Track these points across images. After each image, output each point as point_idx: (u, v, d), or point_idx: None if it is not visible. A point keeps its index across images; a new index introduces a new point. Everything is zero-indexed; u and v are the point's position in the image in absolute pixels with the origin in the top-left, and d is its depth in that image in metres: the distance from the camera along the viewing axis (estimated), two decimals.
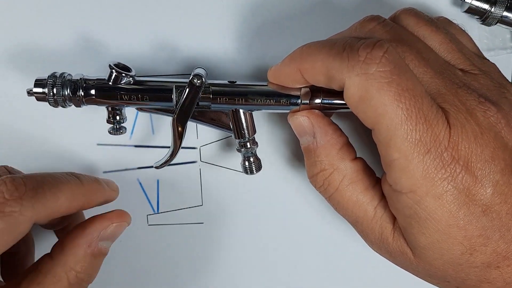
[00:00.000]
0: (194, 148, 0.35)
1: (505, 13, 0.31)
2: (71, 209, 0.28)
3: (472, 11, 0.31)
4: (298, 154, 0.35)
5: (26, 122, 0.33)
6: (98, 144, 0.34)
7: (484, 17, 0.31)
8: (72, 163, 0.34)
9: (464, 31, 0.30)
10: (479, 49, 0.29)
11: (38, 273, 0.26)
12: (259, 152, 0.32)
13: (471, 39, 0.29)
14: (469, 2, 0.31)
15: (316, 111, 0.28)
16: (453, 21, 0.30)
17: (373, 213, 0.27)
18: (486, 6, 0.31)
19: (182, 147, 0.34)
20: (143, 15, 0.33)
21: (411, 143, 0.23)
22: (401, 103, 0.23)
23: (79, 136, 0.34)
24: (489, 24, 0.32)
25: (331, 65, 0.24)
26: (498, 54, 0.33)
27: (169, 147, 0.31)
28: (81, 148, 0.34)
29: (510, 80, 0.33)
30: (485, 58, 0.28)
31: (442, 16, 0.30)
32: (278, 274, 0.37)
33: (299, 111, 0.28)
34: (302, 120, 0.28)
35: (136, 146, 0.35)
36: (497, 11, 0.31)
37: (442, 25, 0.28)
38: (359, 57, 0.23)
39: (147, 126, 0.34)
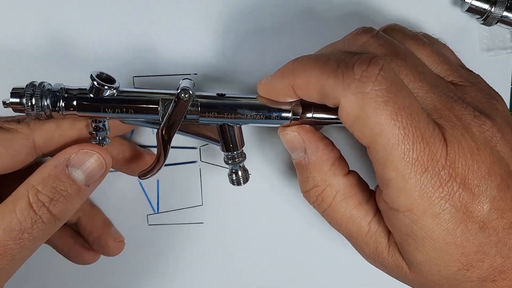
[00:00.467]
0: (194, 148, 0.35)
1: (505, 13, 0.31)
2: (73, 131, 0.28)
3: (472, 11, 0.31)
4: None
5: None
6: None
7: (484, 17, 0.31)
8: None
9: (445, 44, 0.30)
10: (461, 62, 0.29)
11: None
12: (259, 151, 0.32)
13: (453, 52, 0.29)
14: (469, 2, 0.31)
15: (307, 126, 0.27)
16: (432, 35, 0.30)
17: (367, 228, 0.27)
18: (486, 6, 0.31)
19: (182, 147, 0.34)
20: (137, 23, 0.33)
21: (408, 163, 0.23)
22: (398, 122, 0.22)
23: None
24: (489, 24, 0.32)
25: (326, 82, 0.24)
26: (498, 54, 0.33)
27: (172, 147, 0.30)
28: None
29: (510, 81, 0.33)
30: (470, 70, 0.28)
31: (421, 32, 0.30)
32: (277, 273, 0.37)
33: (289, 126, 0.28)
34: (293, 136, 0.27)
35: None
36: (497, 11, 0.31)
37: (425, 39, 0.28)
38: (354, 75, 0.23)
39: None
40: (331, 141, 0.28)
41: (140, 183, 0.35)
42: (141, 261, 0.36)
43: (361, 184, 0.28)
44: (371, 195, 0.28)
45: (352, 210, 0.27)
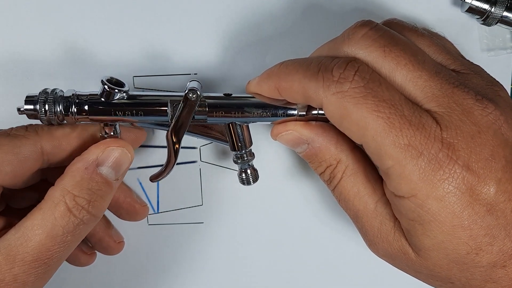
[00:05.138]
0: (194, 148, 0.35)
1: (505, 13, 0.31)
2: (82, 138, 0.29)
3: (472, 11, 0.31)
4: (296, 154, 0.35)
5: None
6: None
7: (484, 17, 0.31)
8: None
9: (444, 37, 0.30)
10: (461, 54, 0.29)
11: (42, 200, 0.27)
12: (258, 151, 0.32)
13: (453, 44, 0.30)
14: (469, 2, 0.31)
15: (298, 122, 0.28)
16: (431, 29, 0.30)
17: (374, 207, 0.27)
18: (486, 6, 0.31)
19: (182, 147, 0.34)
20: (137, 23, 0.33)
21: (401, 149, 0.23)
22: (380, 112, 0.23)
23: None
24: (489, 24, 0.32)
25: (308, 85, 0.25)
26: (498, 54, 0.33)
27: None
28: None
29: (510, 81, 0.33)
30: (470, 61, 0.28)
31: (421, 27, 0.30)
32: (277, 273, 0.37)
33: (279, 124, 0.29)
34: (290, 135, 0.28)
35: None
36: (497, 11, 0.31)
37: (424, 31, 0.28)
38: (333, 77, 0.24)
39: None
40: (326, 121, 0.28)
41: (140, 183, 0.35)
42: (141, 261, 0.36)
43: (369, 161, 0.28)
44: (379, 177, 0.28)
45: (360, 186, 0.27)
